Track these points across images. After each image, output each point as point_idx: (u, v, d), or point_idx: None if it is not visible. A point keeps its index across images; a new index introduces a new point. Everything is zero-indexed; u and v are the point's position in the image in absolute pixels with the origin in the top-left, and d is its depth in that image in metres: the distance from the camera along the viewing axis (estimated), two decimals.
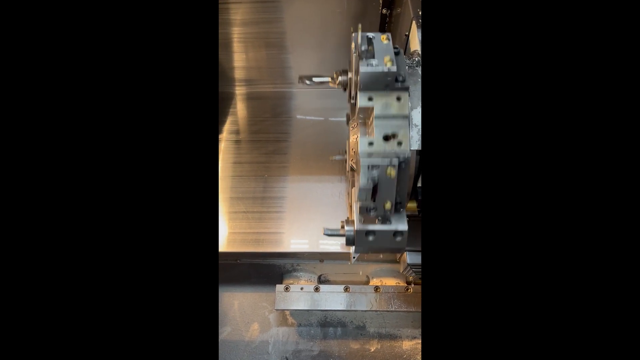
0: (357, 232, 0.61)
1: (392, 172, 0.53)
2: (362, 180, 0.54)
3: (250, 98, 1.51)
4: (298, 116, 1.36)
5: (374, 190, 0.55)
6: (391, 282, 1.11)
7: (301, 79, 0.73)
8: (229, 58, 1.43)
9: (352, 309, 1.05)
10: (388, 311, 1.06)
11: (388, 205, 0.57)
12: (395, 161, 0.53)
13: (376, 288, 1.06)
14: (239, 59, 1.45)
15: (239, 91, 1.52)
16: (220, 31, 1.31)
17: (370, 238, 0.61)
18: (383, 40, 0.57)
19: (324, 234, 0.69)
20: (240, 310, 1.15)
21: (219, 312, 1.14)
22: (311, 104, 1.37)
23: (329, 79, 0.69)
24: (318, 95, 1.39)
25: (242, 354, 1.09)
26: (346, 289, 1.07)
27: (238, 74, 1.49)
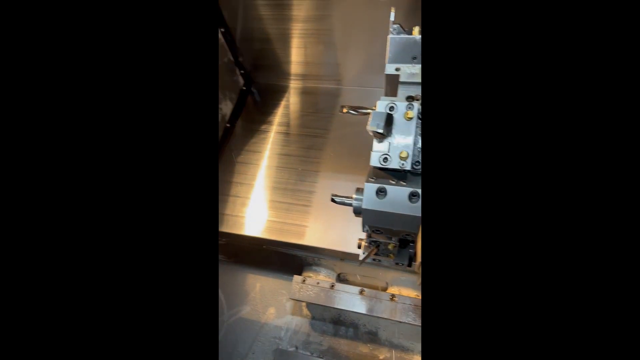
0: (367, 187, 0.55)
1: (410, 113, 0.52)
2: (378, 106, 0.54)
3: (303, 92, 1.55)
4: (342, 111, 1.36)
5: (388, 122, 0.53)
6: (410, 293, 1.06)
7: (344, 108, 0.73)
8: (286, 52, 1.49)
9: (365, 312, 1.03)
10: (402, 322, 1.02)
11: (404, 154, 0.53)
12: (416, 105, 0.53)
13: (392, 296, 1.03)
14: (296, 54, 1.49)
15: (294, 85, 1.57)
16: (279, 26, 1.37)
17: (381, 198, 0.54)
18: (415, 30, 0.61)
19: (332, 200, 0.64)
20: (260, 293, 1.21)
21: (242, 290, 1.23)
22: (355, 102, 1.35)
23: (370, 110, 0.68)
24: (364, 96, 1.37)
25: (256, 334, 1.15)
26: (361, 292, 1.05)
27: (294, 68, 1.54)
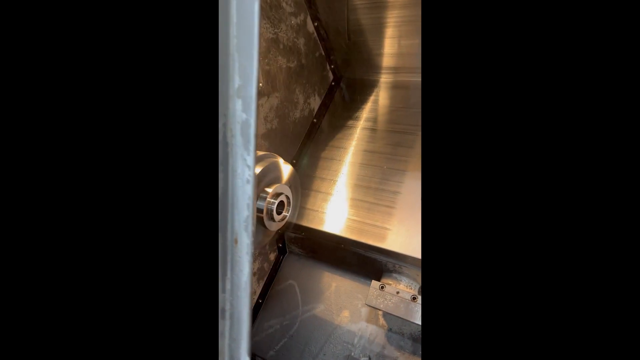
0: None
1: None
2: None
3: (393, 87, 1.46)
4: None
5: None
6: None
7: None
8: (379, 44, 1.42)
9: None
10: None
11: None
12: None
13: None
14: (390, 44, 1.41)
15: (384, 79, 1.49)
16: (373, 15, 1.31)
17: None
18: None
19: None
20: (335, 293, 1.17)
21: (317, 288, 1.20)
22: None
23: None
24: None
25: (328, 335, 1.11)
26: None
27: (386, 61, 1.46)
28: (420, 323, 0.94)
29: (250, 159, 0.32)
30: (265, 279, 1.27)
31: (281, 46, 1.18)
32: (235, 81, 0.31)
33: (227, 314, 0.35)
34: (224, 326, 0.35)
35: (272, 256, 1.30)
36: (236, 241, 0.34)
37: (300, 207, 1.22)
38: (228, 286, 0.34)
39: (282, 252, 1.33)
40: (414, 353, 1.01)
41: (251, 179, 0.32)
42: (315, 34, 1.35)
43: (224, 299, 0.34)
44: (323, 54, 1.42)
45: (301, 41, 1.28)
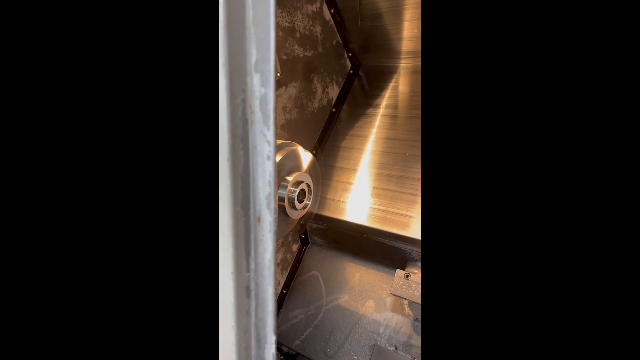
0: None
1: None
2: None
3: (413, 72, 1.42)
4: None
5: None
6: None
7: None
8: (398, 27, 1.38)
9: None
10: None
11: None
12: None
13: None
14: (409, 27, 1.37)
15: (404, 64, 1.46)
16: None
17: None
18: None
19: None
20: (359, 283, 1.16)
21: (341, 278, 1.19)
22: None
23: None
24: None
25: (353, 324, 1.11)
26: None
27: (406, 45, 1.42)
28: None
29: (270, 135, 0.32)
30: (289, 269, 1.28)
31: (298, 35, 1.17)
32: (253, 55, 0.31)
33: (252, 293, 0.34)
34: (250, 305, 0.35)
35: (295, 247, 1.31)
36: (259, 219, 0.33)
37: (322, 197, 1.21)
38: (252, 265, 0.34)
39: (304, 243, 1.33)
40: None
41: (272, 155, 0.32)
42: (332, 21, 1.32)
43: (249, 278, 0.34)
44: (340, 41, 1.40)
45: (318, 29, 1.26)
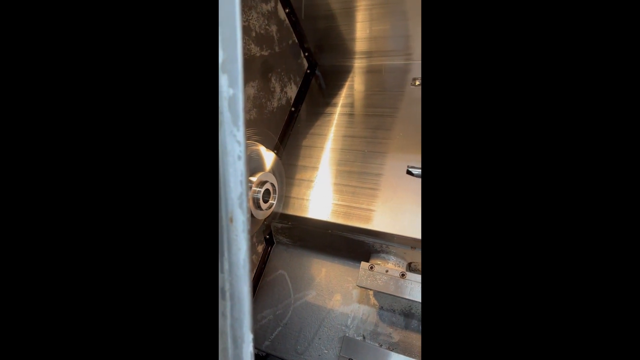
0: None
1: None
2: None
3: (368, 71, 1.46)
4: (415, 84, 1.24)
5: None
6: None
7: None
8: (351, 29, 1.42)
9: None
10: None
11: None
12: None
13: None
14: (362, 29, 1.41)
15: (358, 64, 1.50)
16: (340, 0, 1.30)
17: None
18: None
19: (407, 172, 0.59)
20: (326, 279, 1.18)
21: (308, 275, 1.21)
22: None
23: None
24: None
25: (322, 319, 1.13)
26: None
27: (359, 45, 1.47)
28: (410, 298, 0.97)
29: (240, 135, 0.32)
30: (254, 271, 1.26)
31: (254, 34, 1.16)
32: (219, 55, 0.31)
33: (227, 294, 0.34)
34: (225, 307, 0.35)
35: (260, 248, 1.29)
36: (231, 220, 0.33)
37: (285, 196, 1.21)
38: (226, 266, 0.34)
39: (269, 243, 1.32)
40: (405, 328, 1.04)
41: (242, 155, 0.32)
42: (287, 20, 1.33)
43: (223, 279, 0.34)
44: (296, 41, 1.41)
45: (273, 28, 1.26)
